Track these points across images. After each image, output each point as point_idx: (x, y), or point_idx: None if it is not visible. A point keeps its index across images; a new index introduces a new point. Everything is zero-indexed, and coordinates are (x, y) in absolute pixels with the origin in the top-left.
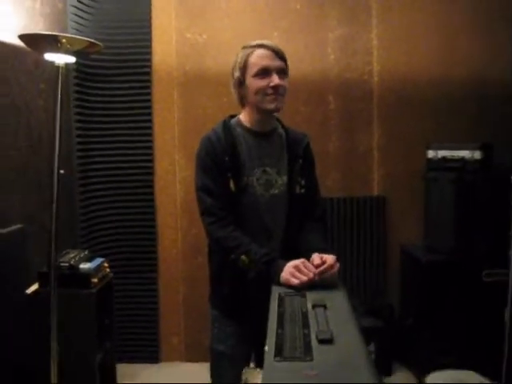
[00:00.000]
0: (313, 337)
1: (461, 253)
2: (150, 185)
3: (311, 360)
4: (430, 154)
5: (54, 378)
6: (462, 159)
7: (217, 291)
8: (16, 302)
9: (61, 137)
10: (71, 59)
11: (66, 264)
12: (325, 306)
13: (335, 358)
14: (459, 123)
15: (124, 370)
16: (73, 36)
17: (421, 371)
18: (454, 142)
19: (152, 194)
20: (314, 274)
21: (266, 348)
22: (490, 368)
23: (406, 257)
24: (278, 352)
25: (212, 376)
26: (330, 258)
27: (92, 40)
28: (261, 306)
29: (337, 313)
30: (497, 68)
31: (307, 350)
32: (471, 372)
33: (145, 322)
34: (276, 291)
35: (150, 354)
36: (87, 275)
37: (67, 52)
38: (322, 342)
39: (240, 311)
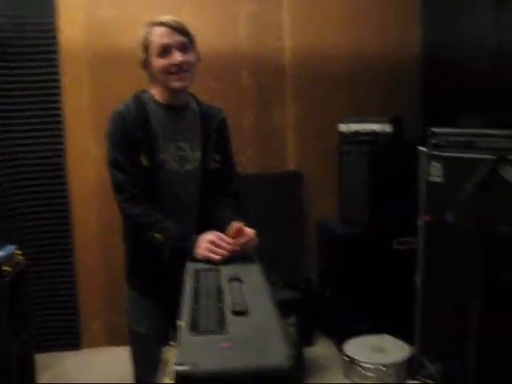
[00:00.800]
0: (228, 310)
1: (375, 224)
2: (60, 167)
3: (226, 332)
4: (343, 128)
5: None
6: (374, 132)
7: (133, 271)
8: None
9: None
10: None
11: None
12: (240, 280)
13: (250, 329)
14: (371, 98)
15: (44, 360)
16: None
17: (340, 339)
18: (366, 116)
19: (64, 176)
20: (234, 245)
21: (181, 323)
22: (404, 331)
23: (323, 230)
24: (193, 326)
25: (133, 358)
26: (250, 231)
27: None
28: (178, 284)
29: (252, 286)
30: (407, 44)
31: (222, 323)
32: (386, 335)
33: (63, 308)
34: (191, 267)
35: (71, 341)
36: None
37: None
38: (236, 314)
39: (157, 290)
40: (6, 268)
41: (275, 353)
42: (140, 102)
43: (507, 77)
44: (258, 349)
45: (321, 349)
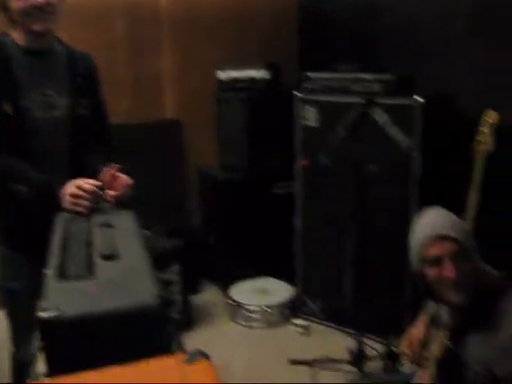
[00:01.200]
0: (97, 255)
1: (255, 170)
2: None
3: (94, 277)
4: (221, 75)
5: None
6: (251, 79)
7: (2, 225)
8: None
9: None
10: None
11: None
12: (111, 226)
13: (118, 273)
14: (249, 45)
15: None
16: None
17: (225, 284)
18: (244, 63)
19: None
20: (95, 192)
21: (48, 271)
22: (286, 272)
23: (203, 177)
24: (60, 273)
25: (8, 315)
26: (124, 177)
27: None
28: (48, 236)
29: (123, 232)
30: None
31: (90, 268)
32: (270, 278)
33: None
34: (62, 216)
35: None
36: None
37: None
38: (105, 258)
39: (28, 244)
40: None
41: (142, 293)
42: (0, 46)
43: (377, 25)
44: (125, 291)
45: (207, 295)
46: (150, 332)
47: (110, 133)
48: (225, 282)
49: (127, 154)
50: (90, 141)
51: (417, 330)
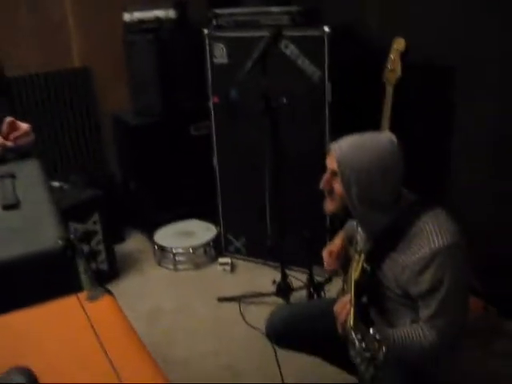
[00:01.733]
0: None
1: (168, 112)
2: None
3: None
4: (126, 16)
5: None
6: (158, 19)
7: None
8: None
9: None
10: None
11: None
12: (14, 176)
13: (21, 221)
14: None
15: None
16: None
17: (150, 230)
18: (151, 2)
19: None
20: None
21: None
22: (209, 213)
23: (118, 124)
24: None
25: None
26: (24, 125)
27: None
28: None
29: (26, 181)
30: None
31: None
32: (193, 220)
33: None
34: None
35: None
36: None
37: None
38: (6, 208)
39: None
40: None
41: (47, 237)
42: None
43: None
44: (28, 237)
45: (133, 243)
46: (53, 276)
47: (6, 82)
48: (149, 228)
49: (36, 106)
50: None
51: (334, 243)
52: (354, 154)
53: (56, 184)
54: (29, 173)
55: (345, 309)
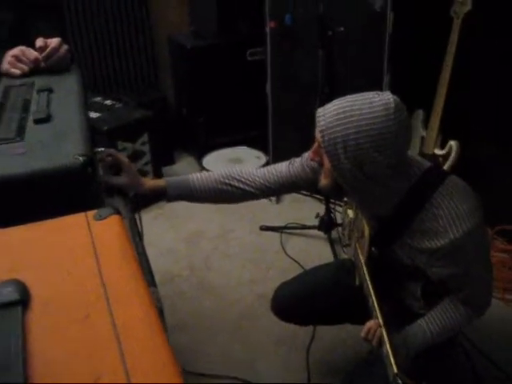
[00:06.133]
0: (30, 119)
1: (225, 35)
2: None
3: (22, 140)
4: None
5: None
6: None
7: None
8: None
9: None
10: None
11: None
12: (50, 90)
13: (49, 135)
14: None
15: None
16: None
17: (200, 154)
18: None
19: None
20: (38, 61)
21: None
22: (259, 141)
23: (174, 46)
24: None
25: None
26: (53, 41)
27: None
28: None
29: (63, 95)
30: None
31: (20, 131)
32: (243, 147)
33: None
34: (2, 84)
35: None
36: None
37: None
38: (37, 121)
39: None
40: None
41: (68, 153)
42: None
43: None
44: (51, 152)
45: (182, 166)
46: (72, 193)
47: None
48: (199, 153)
49: (92, 23)
50: (34, 7)
51: None
52: (339, 122)
53: (109, 102)
54: (66, 87)
55: (376, 337)
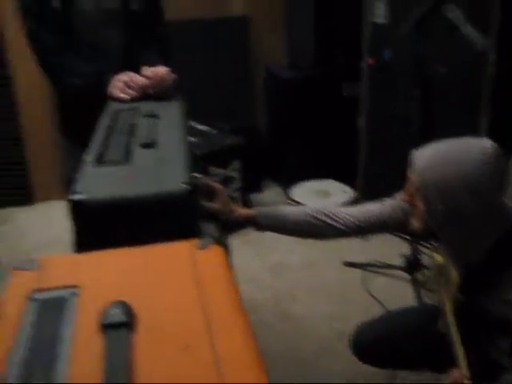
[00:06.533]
0: (136, 143)
1: (321, 68)
2: None
3: (129, 164)
4: None
5: None
6: None
7: (62, 120)
8: None
9: None
10: None
11: None
12: (156, 116)
13: (153, 160)
14: None
15: None
16: None
17: (287, 185)
18: None
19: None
20: (144, 87)
21: (86, 157)
22: (348, 175)
23: (270, 76)
24: (97, 159)
25: None
26: (161, 70)
27: None
28: None
29: (166, 122)
30: None
31: (127, 155)
32: (331, 180)
33: (13, 164)
34: (111, 107)
35: (22, 196)
36: None
37: None
38: (143, 146)
39: (85, 135)
40: None
41: (172, 180)
42: None
43: None
44: (156, 178)
45: (269, 194)
46: (174, 218)
47: (164, 28)
48: (286, 182)
49: (191, 50)
50: (144, 36)
51: None
52: (436, 167)
53: (203, 128)
54: (170, 114)
55: None
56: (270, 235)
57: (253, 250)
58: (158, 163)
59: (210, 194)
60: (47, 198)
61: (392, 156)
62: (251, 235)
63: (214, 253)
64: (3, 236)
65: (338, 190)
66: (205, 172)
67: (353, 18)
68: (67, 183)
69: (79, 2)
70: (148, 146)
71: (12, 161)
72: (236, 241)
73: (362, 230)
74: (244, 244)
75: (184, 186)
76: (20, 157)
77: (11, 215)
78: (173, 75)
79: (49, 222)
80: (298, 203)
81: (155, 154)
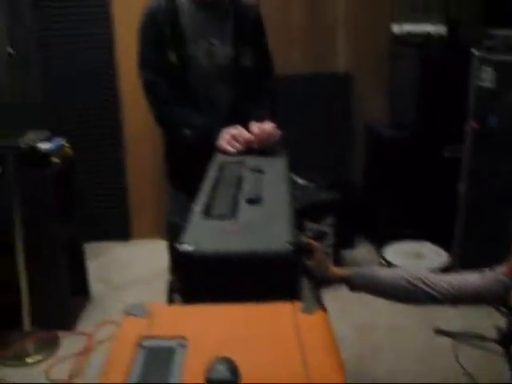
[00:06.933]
0: (242, 198)
1: (423, 128)
2: (112, 66)
3: (235, 218)
4: (396, 28)
5: (20, 256)
6: (427, 34)
7: (169, 166)
8: None
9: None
10: None
11: (26, 144)
12: (261, 171)
13: (259, 216)
14: None
15: (95, 249)
16: None
17: (381, 243)
18: (420, 15)
19: (115, 74)
20: (251, 142)
21: (195, 207)
22: (444, 238)
23: (370, 133)
24: (205, 211)
25: (169, 247)
26: (268, 126)
27: None
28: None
29: (271, 177)
30: None
31: (233, 210)
32: (426, 242)
33: (114, 201)
34: (218, 158)
35: (121, 232)
36: (47, 154)
37: None
38: (249, 201)
39: (191, 184)
40: (54, 159)
41: (277, 238)
42: None
43: None
44: (261, 234)
45: (361, 252)
46: (277, 277)
47: (273, 83)
48: (380, 241)
49: (295, 103)
50: (252, 90)
51: None
52: None
53: (300, 181)
54: (275, 169)
55: None
56: (358, 294)
57: (340, 307)
58: (263, 219)
59: (308, 251)
60: (145, 235)
61: (493, 225)
62: (340, 292)
63: (318, 319)
64: (101, 267)
65: (433, 253)
66: (300, 226)
67: (458, 80)
68: (167, 225)
69: (194, 58)
70: (253, 201)
71: (115, 198)
72: (324, 296)
73: (457, 299)
74: (332, 300)
75: (289, 245)
76: (123, 195)
77: (110, 248)
78: (279, 131)
79: (145, 258)
80: (390, 263)
81: (260, 210)
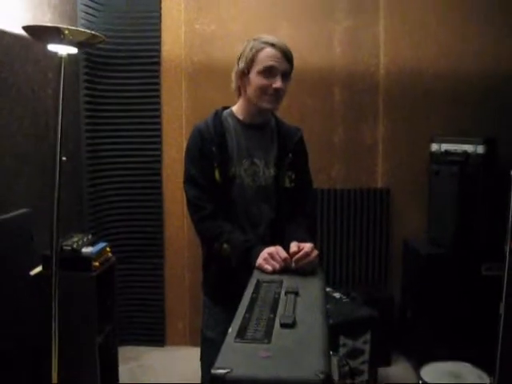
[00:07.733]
0: (277, 321)
1: (462, 246)
2: (157, 172)
3: (269, 342)
4: (434, 147)
5: (54, 359)
6: (465, 153)
7: (206, 279)
8: (20, 284)
9: (65, 124)
10: (74, 50)
11: (69, 247)
12: (297, 293)
13: (292, 342)
14: (464, 116)
15: (129, 353)
16: (75, 28)
17: (418, 362)
18: (458, 135)
19: (159, 181)
20: (288, 262)
21: (230, 330)
22: (485, 360)
23: (408, 249)
24: (240, 334)
25: (201, 360)
26: (306, 246)
27: (94, 32)
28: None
29: (307, 299)
30: (503, 61)
31: (268, 333)
32: (466, 364)
33: (151, 306)
34: (256, 276)
35: (156, 338)
36: (88, 259)
37: (70, 43)
38: (283, 326)
39: (227, 298)
40: (95, 263)
41: (309, 366)
42: (219, 118)
43: None
44: (294, 361)
45: (397, 370)
46: None
47: (312, 204)
48: (417, 359)
49: (336, 217)
50: (292, 211)
51: None
52: None
53: (337, 295)
54: (312, 291)
55: None
56: None
57: None
58: (297, 345)
59: None
60: (180, 342)
61: None
62: None
63: None
64: (135, 371)
65: (473, 375)
66: (335, 343)
67: (497, 198)
68: (202, 339)
69: (238, 178)
70: (288, 326)
71: (151, 303)
72: None
73: None
74: None
75: (321, 375)
76: (159, 301)
77: (144, 354)
78: (316, 251)
79: (176, 365)
80: None
81: (294, 335)
